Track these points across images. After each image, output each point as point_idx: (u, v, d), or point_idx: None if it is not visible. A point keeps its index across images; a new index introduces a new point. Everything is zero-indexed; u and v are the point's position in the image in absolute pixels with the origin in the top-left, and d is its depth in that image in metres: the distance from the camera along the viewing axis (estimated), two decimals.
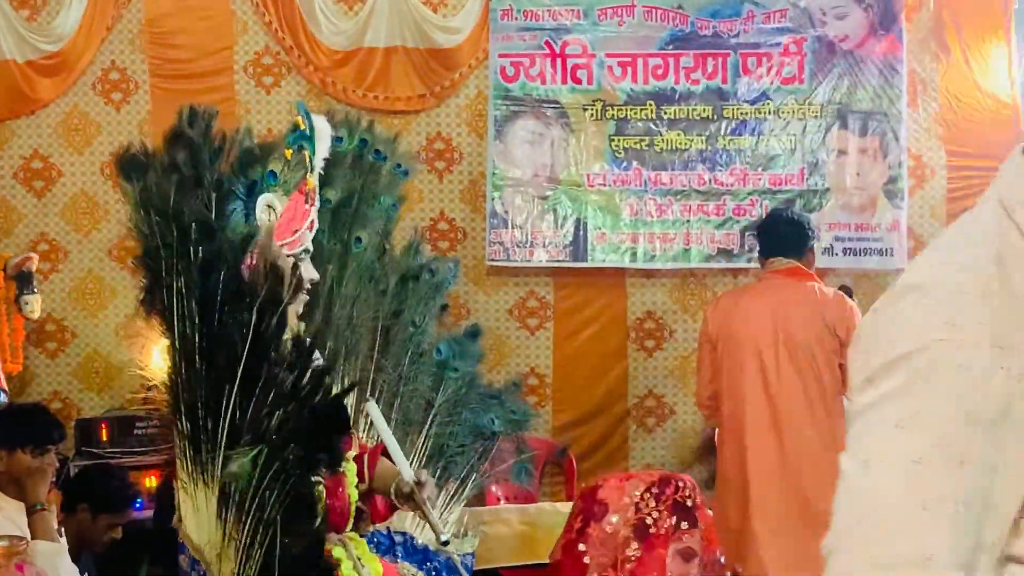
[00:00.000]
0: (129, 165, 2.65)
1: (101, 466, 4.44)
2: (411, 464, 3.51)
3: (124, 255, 5.52)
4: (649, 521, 2.56)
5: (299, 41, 5.49)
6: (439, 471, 3.81)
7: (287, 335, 2.48)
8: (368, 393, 3.61)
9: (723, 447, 4.23)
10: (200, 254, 2.43)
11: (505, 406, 4.06)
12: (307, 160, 2.97)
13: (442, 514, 3.75)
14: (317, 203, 3.02)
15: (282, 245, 2.80)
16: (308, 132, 2.99)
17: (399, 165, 3.91)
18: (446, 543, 3.05)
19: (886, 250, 5.50)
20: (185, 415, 2.42)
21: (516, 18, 5.49)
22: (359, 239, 3.67)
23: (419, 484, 2.97)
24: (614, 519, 2.58)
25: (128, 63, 5.52)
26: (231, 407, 2.35)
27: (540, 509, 4.87)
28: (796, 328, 4.02)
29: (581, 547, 2.59)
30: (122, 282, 5.56)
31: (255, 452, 2.33)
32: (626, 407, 5.65)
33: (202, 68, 5.52)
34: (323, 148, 3.08)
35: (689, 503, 2.58)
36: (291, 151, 2.94)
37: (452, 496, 3.90)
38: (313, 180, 2.99)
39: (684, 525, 2.55)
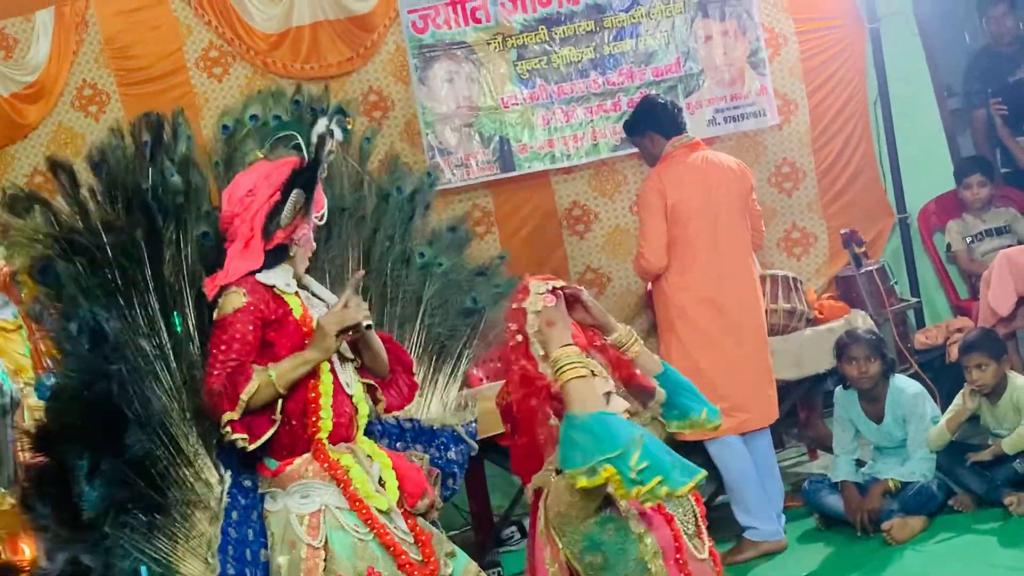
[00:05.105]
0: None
1: None
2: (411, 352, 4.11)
3: None
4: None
5: (237, 32, 6.37)
6: (435, 357, 4.30)
7: None
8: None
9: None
10: None
11: (490, 281, 4.55)
12: None
13: (443, 395, 4.27)
14: None
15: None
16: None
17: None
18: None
19: (759, 112, 6.60)
20: None
21: None
22: None
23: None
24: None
25: (97, 79, 6.37)
26: None
27: None
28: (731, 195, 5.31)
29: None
30: None
31: None
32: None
33: (160, 71, 6.39)
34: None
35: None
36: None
37: (450, 375, 4.34)
38: None
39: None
